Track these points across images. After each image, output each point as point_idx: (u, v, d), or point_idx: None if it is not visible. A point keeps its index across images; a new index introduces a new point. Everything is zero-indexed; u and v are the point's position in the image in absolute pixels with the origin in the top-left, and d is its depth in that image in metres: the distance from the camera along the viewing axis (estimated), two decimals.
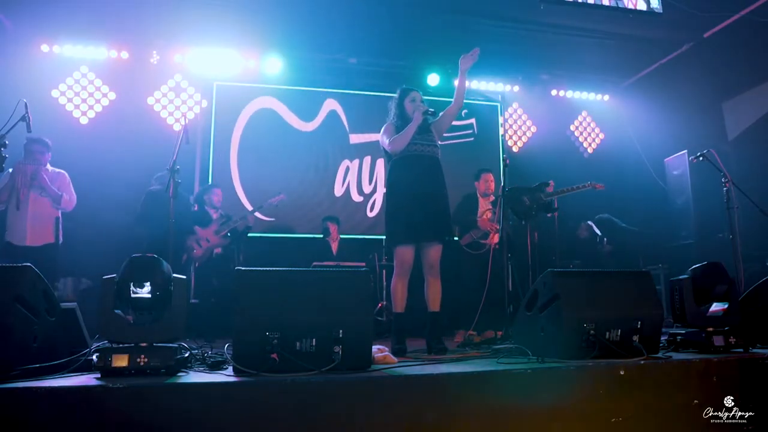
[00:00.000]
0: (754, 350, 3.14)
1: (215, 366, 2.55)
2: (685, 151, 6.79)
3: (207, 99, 6.93)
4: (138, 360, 2.29)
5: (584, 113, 8.23)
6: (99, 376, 2.24)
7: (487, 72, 7.58)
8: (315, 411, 2.16)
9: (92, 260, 5.14)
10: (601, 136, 8.26)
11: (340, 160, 7.30)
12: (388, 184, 3.89)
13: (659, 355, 2.97)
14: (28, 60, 6.30)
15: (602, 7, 5.60)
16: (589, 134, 8.25)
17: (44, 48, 6.38)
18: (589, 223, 6.65)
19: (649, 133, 7.57)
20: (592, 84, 8.03)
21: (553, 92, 7.95)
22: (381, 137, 3.92)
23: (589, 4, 5.57)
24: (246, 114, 7.03)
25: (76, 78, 6.57)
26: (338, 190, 7.26)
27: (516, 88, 7.81)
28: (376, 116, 7.35)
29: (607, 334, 2.88)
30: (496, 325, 4.46)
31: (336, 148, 7.33)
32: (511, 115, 7.99)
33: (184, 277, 2.57)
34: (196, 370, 2.48)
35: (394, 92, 4.06)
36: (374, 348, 2.77)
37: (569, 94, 8.03)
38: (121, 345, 2.35)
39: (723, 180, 4.76)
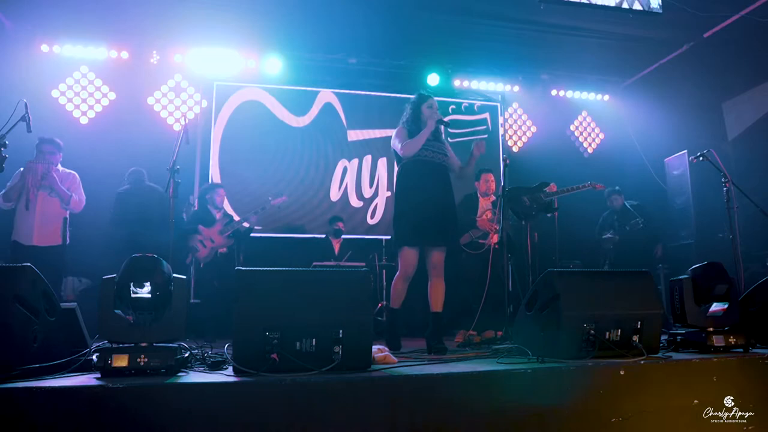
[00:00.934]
0: (754, 350, 3.14)
1: (215, 366, 2.55)
2: (685, 151, 6.79)
3: (207, 99, 6.93)
4: (138, 360, 2.29)
5: (584, 113, 8.24)
6: (99, 376, 2.24)
7: (487, 72, 7.58)
8: (315, 411, 2.16)
9: (92, 260, 5.14)
10: (601, 136, 8.26)
11: (338, 159, 7.17)
12: (398, 186, 3.97)
13: (659, 355, 2.98)
14: (28, 60, 6.30)
15: (602, 7, 5.60)
16: (589, 134, 8.25)
17: (44, 48, 6.38)
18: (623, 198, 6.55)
19: (649, 133, 7.57)
20: (592, 84, 8.03)
21: (553, 92, 7.95)
22: (393, 140, 3.99)
23: (589, 4, 5.56)
24: (229, 108, 6.89)
25: (76, 78, 6.57)
26: (335, 195, 7.07)
27: (516, 88, 7.81)
28: (376, 115, 7.36)
29: (607, 334, 2.88)
30: (496, 325, 4.46)
31: (333, 145, 7.16)
32: (511, 115, 7.99)
33: (184, 277, 2.57)
34: (196, 370, 2.48)
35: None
36: (374, 348, 2.77)
37: (569, 94, 8.03)
38: (121, 345, 2.35)
39: (723, 180, 4.76)
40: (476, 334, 4.56)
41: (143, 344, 2.35)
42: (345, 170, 7.17)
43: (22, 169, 4.89)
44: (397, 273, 3.84)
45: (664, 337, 3.30)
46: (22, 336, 2.28)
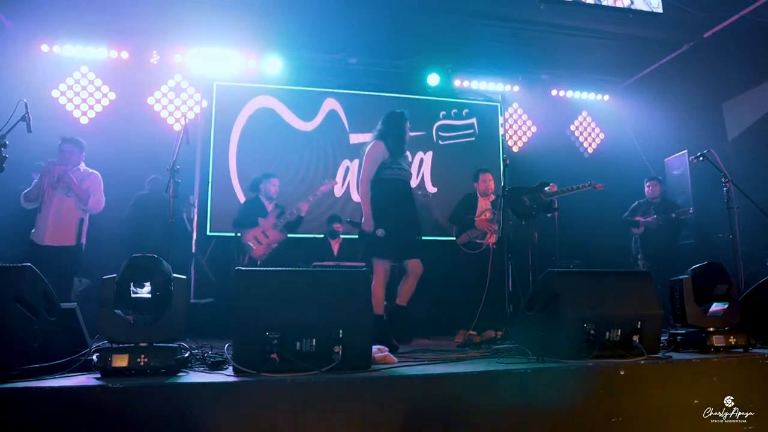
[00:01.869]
0: (754, 350, 3.14)
1: (215, 366, 2.55)
2: (685, 151, 6.79)
3: (207, 99, 6.93)
4: (138, 360, 2.29)
5: (584, 113, 8.23)
6: (99, 376, 2.24)
7: (487, 72, 7.57)
8: (315, 411, 2.16)
9: (92, 260, 5.13)
10: (601, 136, 8.26)
11: (340, 160, 7.24)
12: (373, 200, 4.11)
13: (659, 355, 2.98)
14: (28, 60, 6.30)
15: (602, 7, 5.60)
16: (589, 134, 8.25)
17: (44, 48, 6.38)
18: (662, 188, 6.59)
19: (649, 133, 7.57)
20: (592, 84, 8.03)
21: (553, 92, 7.94)
22: (367, 157, 4.13)
23: (589, 4, 5.56)
24: (245, 114, 6.98)
25: (76, 78, 6.57)
26: (338, 191, 7.19)
27: (516, 88, 7.80)
28: (376, 116, 7.35)
29: (607, 334, 2.88)
30: (496, 325, 4.46)
31: (336, 148, 7.26)
32: (511, 115, 7.99)
33: (184, 277, 2.57)
34: (196, 370, 2.48)
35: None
36: (374, 348, 2.77)
37: (569, 94, 8.03)
38: (121, 345, 2.35)
39: (723, 180, 4.76)
40: (476, 334, 4.57)
41: (143, 344, 2.35)
42: (347, 169, 7.25)
43: (42, 168, 4.90)
44: (374, 281, 3.96)
45: (664, 337, 3.30)
46: (22, 336, 2.28)
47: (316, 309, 2.48)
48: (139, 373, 2.28)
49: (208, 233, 6.51)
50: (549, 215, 5.32)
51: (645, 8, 5.63)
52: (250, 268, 2.59)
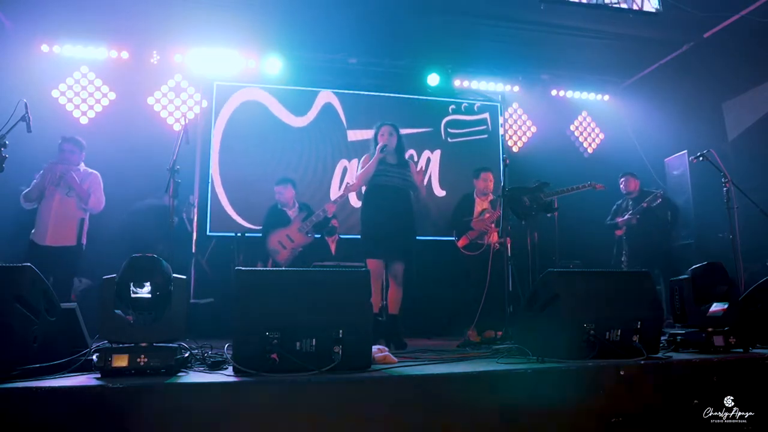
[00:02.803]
0: (754, 350, 3.14)
1: (215, 366, 2.55)
2: (685, 151, 6.79)
3: (207, 99, 6.92)
4: (138, 360, 2.29)
5: (584, 113, 8.23)
6: (99, 376, 2.24)
7: (487, 72, 7.57)
8: (315, 411, 2.16)
9: (92, 260, 5.13)
10: (601, 136, 8.26)
11: (338, 159, 7.11)
12: (362, 208, 4.49)
13: (659, 355, 2.97)
14: (28, 60, 6.30)
15: (602, 7, 5.60)
16: (589, 134, 8.24)
17: (44, 48, 6.38)
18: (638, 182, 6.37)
19: (649, 133, 7.57)
20: (592, 84, 8.03)
21: (553, 92, 7.94)
22: (358, 168, 4.53)
23: (589, 4, 5.57)
24: (230, 107, 6.84)
25: (76, 78, 6.57)
26: (334, 194, 6.96)
27: (516, 88, 7.80)
28: (376, 115, 7.32)
29: (607, 334, 2.88)
30: (497, 325, 4.47)
31: (333, 146, 7.10)
32: (511, 115, 7.99)
33: (184, 277, 2.57)
34: (196, 370, 2.48)
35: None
36: (374, 348, 2.77)
37: (569, 94, 8.03)
38: (121, 345, 2.35)
39: (723, 180, 4.77)
40: (476, 334, 4.58)
41: (143, 344, 2.35)
42: (345, 170, 7.13)
43: (43, 168, 4.90)
44: None
45: (664, 338, 3.30)
46: (22, 336, 2.28)
47: (316, 309, 2.48)
48: (139, 373, 2.28)
49: (208, 233, 6.51)
50: (549, 215, 5.31)
51: (645, 8, 5.63)
52: (250, 268, 2.59)
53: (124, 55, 6.59)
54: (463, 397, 2.33)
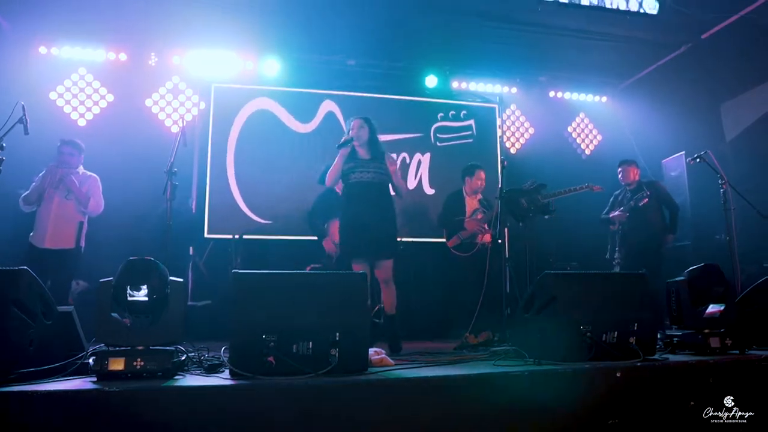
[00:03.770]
0: (751, 352, 3.15)
1: (212, 369, 2.55)
2: (683, 152, 6.79)
3: (205, 101, 6.92)
4: (134, 363, 2.29)
5: (582, 115, 8.24)
6: (95, 379, 2.24)
7: (485, 74, 7.57)
8: (312, 414, 2.16)
9: (89, 262, 5.13)
10: (599, 137, 8.26)
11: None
12: (342, 206, 4.34)
13: (656, 356, 2.98)
14: (26, 62, 6.29)
15: (600, 8, 5.61)
16: (587, 136, 8.25)
17: (42, 50, 6.37)
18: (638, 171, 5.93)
19: (647, 135, 7.57)
20: (589, 85, 8.03)
21: (551, 94, 7.95)
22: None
23: (587, 5, 5.57)
24: (243, 116, 6.93)
25: (74, 80, 6.55)
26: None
27: (514, 90, 7.81)
28: (373, 117, 7.33)
29: (604, 336, 2.89)
30: (494, 327, 4.46)
31: (334, 150, 7.18)
32: (509, 117, 7.99)
33: (181, 279, 2.57)
34: (192, 374, 2.48)
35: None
36: (371, 351, 2.77)
37: (567, 95, 8.03)
38: (117, 348, 2.35)
39: (720, 181, 4.77)
40: (473, 336, 4.57)
41: (140, 347, 2.35)
42: None
43: (43, 171, 4.89)
44: None
45: (660, 339, 3.30)
46: (18, 339, 2.28)
47: (313, 312, 2.48)
48: (135, 376, 2.28)
49: (205, 235, 6.50)
50: (546, 217, 5.30)
51: (643, 10, 5.64)
52: (247, 271, 2.59)
53: (122, 56, 6.58)
54: (460, 399, 2.33)
